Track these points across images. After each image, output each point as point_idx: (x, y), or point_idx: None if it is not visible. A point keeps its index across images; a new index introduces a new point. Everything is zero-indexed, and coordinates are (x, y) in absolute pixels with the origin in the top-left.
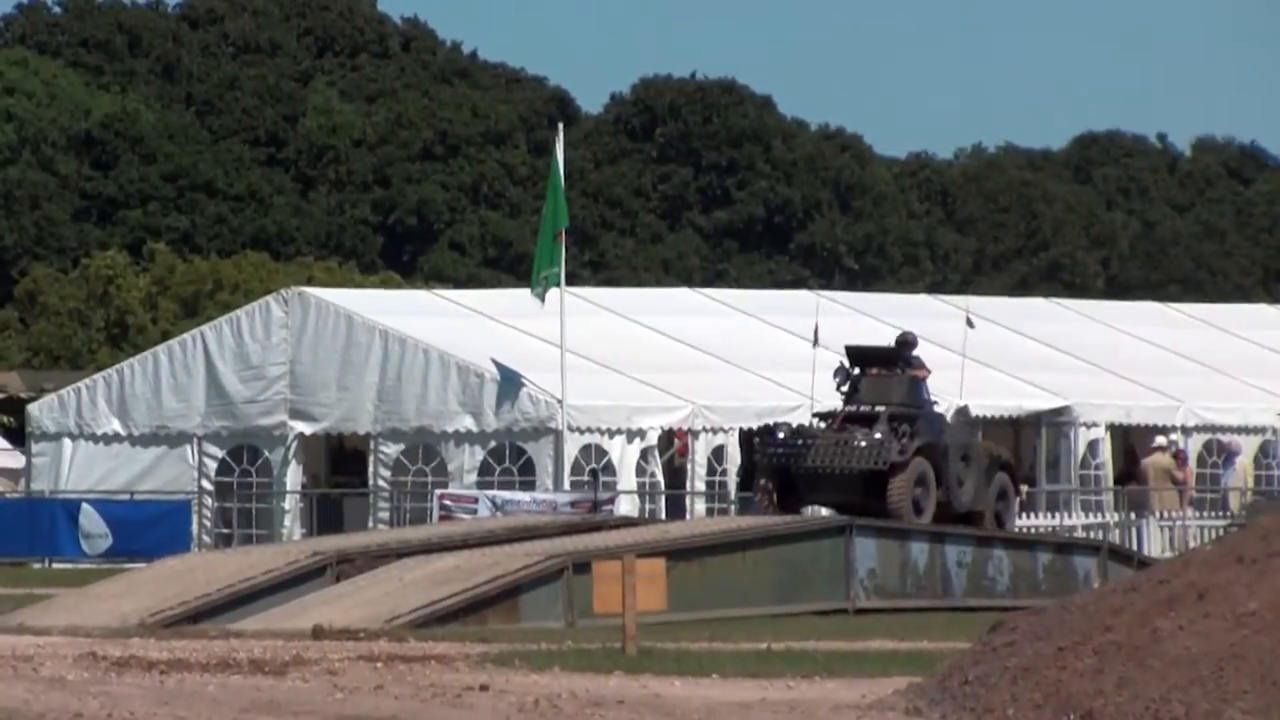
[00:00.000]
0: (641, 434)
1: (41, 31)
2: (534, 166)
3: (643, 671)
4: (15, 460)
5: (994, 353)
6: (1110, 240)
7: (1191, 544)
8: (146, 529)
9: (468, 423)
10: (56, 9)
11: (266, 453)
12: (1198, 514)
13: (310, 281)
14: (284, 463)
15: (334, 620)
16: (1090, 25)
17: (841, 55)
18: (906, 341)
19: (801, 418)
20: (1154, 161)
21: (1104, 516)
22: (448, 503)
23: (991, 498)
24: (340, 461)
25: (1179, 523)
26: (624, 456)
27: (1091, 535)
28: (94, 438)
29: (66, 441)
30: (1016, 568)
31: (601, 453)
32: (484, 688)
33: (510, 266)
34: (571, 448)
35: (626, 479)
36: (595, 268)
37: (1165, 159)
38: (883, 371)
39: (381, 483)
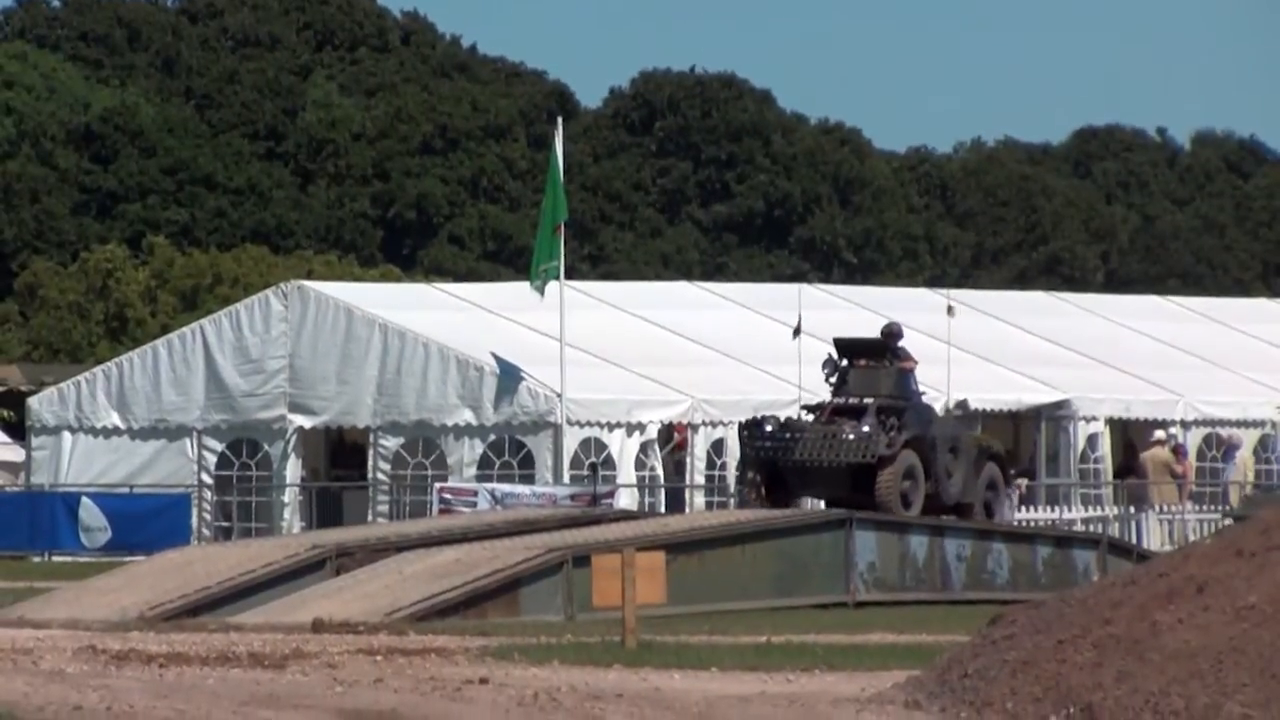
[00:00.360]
0: (641, 428)
1: (41, 25)
2: (533, 160)
3: (642, 665)
4: (15, 454)
5: (993, 347)
6: (1110, 234)
7: (1190, 538)
8: (146, 522)
9: (467, 416)
10: (56, 3)
11: (266, 446)
12: (1197, 508)
13: (310, 275)
14: (283, 456)
15: (333, 614)
16: (1090, 19)
17: (841, 49)
18: (892, 332)
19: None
20: (1153, 156)
21: (1103, 510)
22: (447, 496)
23: (980, 488)
24: (340, 455)
25: (1178, 517)
26: (623, 450)
27: (1091, 529)
28: (94, 431)
29: (66, 435)
30: (1016, 561)
31: (601, 446)
32: (483, 681)
33: (510, 260)
34: (571, 441)
35: (626, 473)
36: (594, 261)
37: (1165, 153)
38: (871, 363)
39: (381, 476)
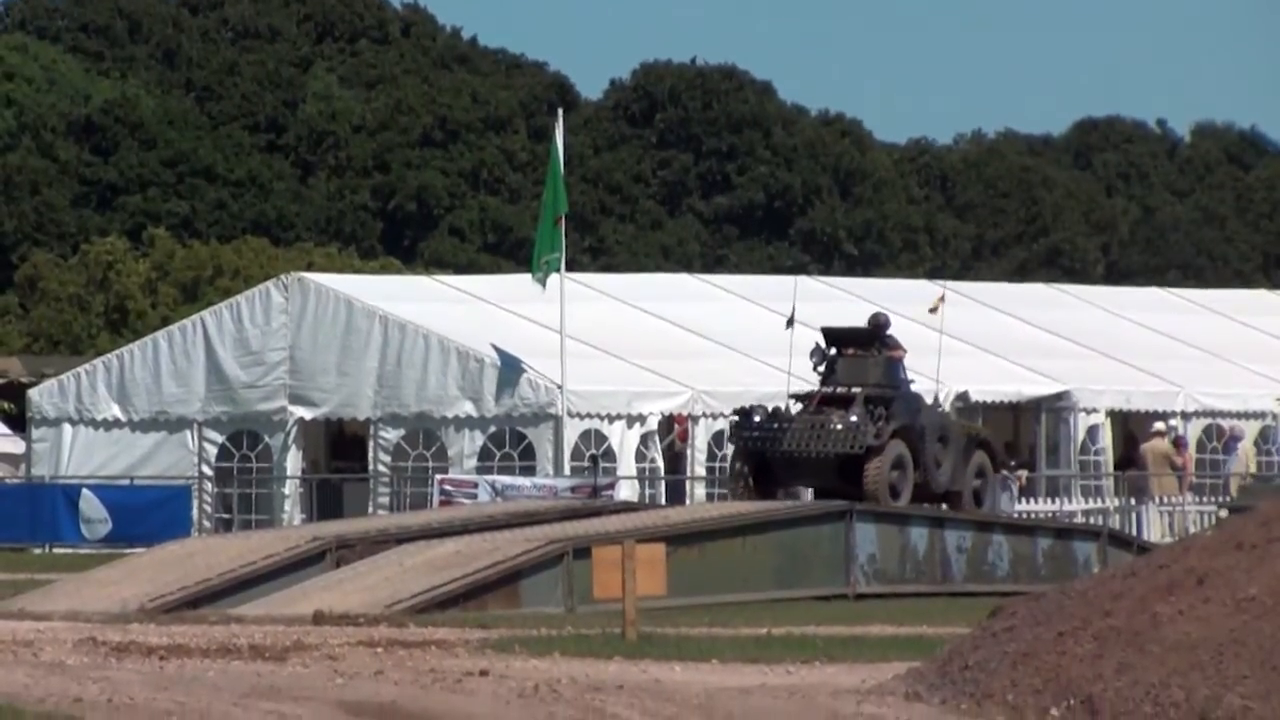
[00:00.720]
0: (641, 419)
1: (41, 17)
2: (534, 152)
3: (642, 657)
4: (15, 446)
5: (993, 339)
6: (1110, 226)
7: (1191, 529)
8: (146, 514)
9: (468, 408)
10: None
11: (266, 438)
12: (1197, 499)
13: (310, 267)
14: (284, 448)
15: (334, 605)
16: (1089, 11)
17: (841, 41)
18: (879, 322)
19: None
20: (1154, 147)
21: (1104, 502)
22: (448, 488)
23: (969, 477)
24: (340, 447)
25: (1178, 508)
26: (624, 442)
27: (1091, 520)
28: (94, 423)
29: (67, 427)
30: (1016, 553)
31: (601, 438)
32: (484, 673)
33: (510, 252)
34: (571, 433)
35: (626, 464)
36: (595, 253)
37: (1165, 144)
38: (859, 352)
39: (381, 468)
